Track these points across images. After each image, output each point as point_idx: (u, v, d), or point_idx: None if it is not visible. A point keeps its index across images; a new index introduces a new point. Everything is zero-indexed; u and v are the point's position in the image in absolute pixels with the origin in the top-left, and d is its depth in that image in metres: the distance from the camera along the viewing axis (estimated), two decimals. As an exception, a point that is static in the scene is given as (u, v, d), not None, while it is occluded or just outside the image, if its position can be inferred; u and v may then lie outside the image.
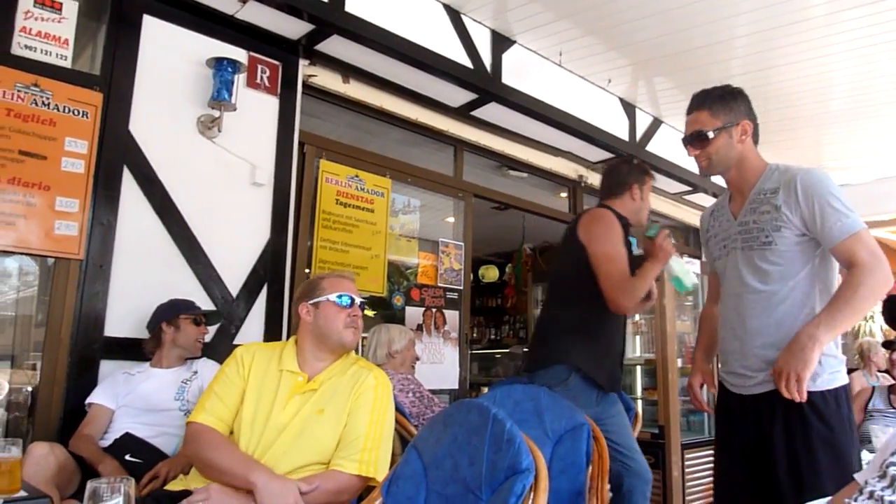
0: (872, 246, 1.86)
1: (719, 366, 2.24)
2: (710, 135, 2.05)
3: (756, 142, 2.13)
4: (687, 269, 2.74)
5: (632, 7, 3.77)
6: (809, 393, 1.82)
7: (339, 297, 2.11)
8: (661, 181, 5.77)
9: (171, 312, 2.76)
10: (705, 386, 2.44)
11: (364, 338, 3.47)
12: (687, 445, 5.31)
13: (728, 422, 2.14)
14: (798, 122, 5.44)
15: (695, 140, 2.09)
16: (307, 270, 3.67)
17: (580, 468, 2.23)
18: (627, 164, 3.03)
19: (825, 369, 1.90)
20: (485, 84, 4.04)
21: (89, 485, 1.06)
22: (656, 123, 5.45)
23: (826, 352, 1.89)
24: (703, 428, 6.34)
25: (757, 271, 2.01)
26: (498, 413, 1.50)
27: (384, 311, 4.19)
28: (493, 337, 8.70)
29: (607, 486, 2.24)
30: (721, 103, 2.07)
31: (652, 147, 5.34)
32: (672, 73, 4.68)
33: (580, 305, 2.72)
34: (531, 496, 1.35)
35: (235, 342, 3.15)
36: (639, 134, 5.25)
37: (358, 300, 2.16)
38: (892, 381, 4.23)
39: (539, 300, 6.76)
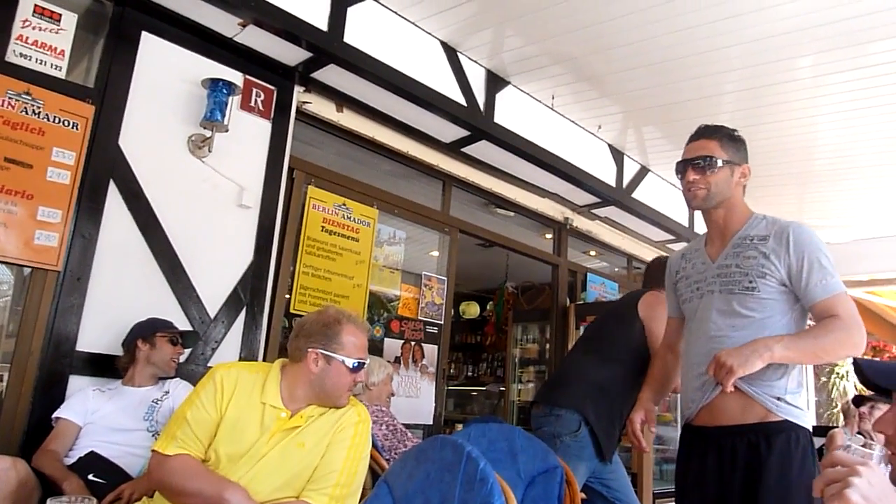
0: (853, 310, 1.87)
1: (680, 409, 2.25)
2: (719, 163, 2.02)
3: (743, 193, 2.15)
4: None
5: (625, 57, 3.85)
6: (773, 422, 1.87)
7: (356, 364, 2.01)
8: (645, 229, 5.84)
9: (149, 330, 2.72)
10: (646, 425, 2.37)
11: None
12: (659, 495, 5.27)
13: (695, 461, 2.05)
14: (782, 178, 5.55)
15: (701, 164, 2.03)
16: (287, 296, 3.64)
17: (552, 512, 2.20)
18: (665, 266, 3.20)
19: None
20: (477, 122, 4.09)
21: (49, 502, 1.03)
22: (643, 171, 5.53)
23: (790, 400, 1.91)
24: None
25: (734, 315, 1.96)
26: (472, 451, 1.48)
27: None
28: (470, 374, 8.65)
29: (577, 532, 2.21)
30: (730, 141, 2.08)
31: (638, 194, 5.41)
32: (661, 124, 4.77)
33: (618, 368, 2.91)
34: (501, 539, 1.33)
35: (210, 363, 3.11)
36: (626, 180, 5.32)
37: (366, 362, 2.09)
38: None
39: (518, 339, 6.73)
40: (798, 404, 1.94)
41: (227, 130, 3.19)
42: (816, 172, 5.37)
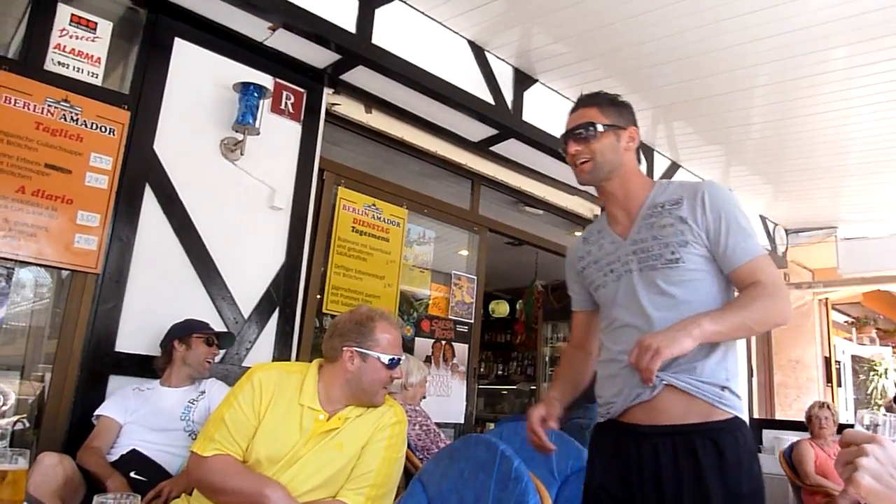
0: (776, 274, 1.69)
1: (599, 411, 1.89)
2: (599, 128, 1.79)
3: (639, 160, 1.94)
4: None
5: (654, 52, 3.81)
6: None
7: (391, 360, 2.01)
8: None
9: (185, 331, 2.77)
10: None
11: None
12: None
13: (616, 461, 1.75)
14: (815, 173, 5.45)
15: (582, 133, 1.80)
16: (319, 296, 3.68)
17: (585, 511, 2.20)
18: None
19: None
20: (505, 120, 4.08)
21: (97, 499, 1.06)
22: (674, 167, 5.47)
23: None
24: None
25: (662, 295, 1.71)
26: (506, 450, 1.48)
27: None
28: (500, 372, 8.64)
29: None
30: (611, 105, 1.86)
31: (668, 190, 5.35)
32: (691, 119, 4.71)
33: None
34: (537, 536, 1.33)
35: (245, 364, 3.16)
36: (656, 177, 5.27)
37: (402, 358, 2.10)
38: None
39: (548, 338, 6.71)
40: (739, 392, 1.73)
41: (258, 133, 3.24)
42: (851, 166, 5.26)
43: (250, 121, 3.16)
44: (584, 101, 1.89)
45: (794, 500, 5.03)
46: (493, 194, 4.89)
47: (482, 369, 8.65)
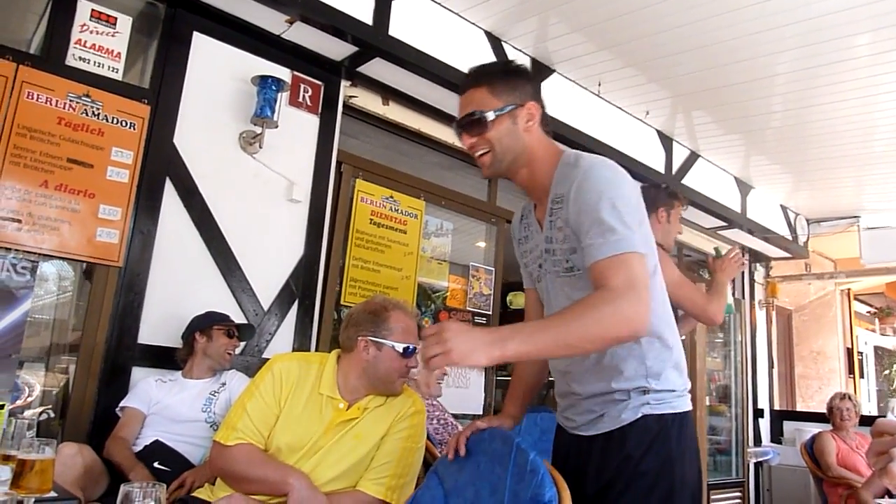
0: (635, 275, 1.39)
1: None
2: (490, 116, 1.57)
3: (547, 133, 1.68)
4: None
5: (672, 41, 3.77)
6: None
7: (406, 348, 2.02)
8: (697, 215, 5.72)
9: (206, 323, 2.81)
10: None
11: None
12: (713, 486, 5.19)
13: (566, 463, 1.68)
14: (838, 161, 5.37)
15: (470, 124, 1.59)
16: (338, 288, 3.70)
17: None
18: (655, 188, 3.23)
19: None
20: (522, 111, 4.05)
21: (123, 488, 1.08)
22: (693, 157, 5.41)
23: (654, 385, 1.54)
24: (731, 468, 6.21)
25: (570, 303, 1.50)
26: (521, 442, 1.49)
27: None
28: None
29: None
30: (503, 81, 1.62)
31: (688, 180, 5.31)
32: (711, 108, 4.66)
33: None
34: (554, 529, 1.34)
35: (265, 356, 3.19)
36: (675, 166, 5.22)
37: (419, 346, 2.08)
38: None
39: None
40: (672, 386, 1.57)
41: (276, 126, 3.25)
42: (876, 154, 5.17)
43: (268, 114, 3.17)
44: (471, 81, 1.64)
45: (816, 492, 4.99)
46: (510, 186, 4.82)
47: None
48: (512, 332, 1.34)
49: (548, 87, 4.22)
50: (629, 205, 1.45)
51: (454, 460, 1.67)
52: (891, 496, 3.12)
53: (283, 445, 1.93)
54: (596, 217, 1.42)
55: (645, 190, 2.92)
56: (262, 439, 1.93)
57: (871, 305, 9.49)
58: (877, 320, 9.81)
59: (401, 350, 2.02)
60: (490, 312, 4.49)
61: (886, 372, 9.63)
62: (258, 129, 3.23)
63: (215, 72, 3.23)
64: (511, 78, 1.63)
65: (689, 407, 1.61)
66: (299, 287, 3.39)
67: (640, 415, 1.52)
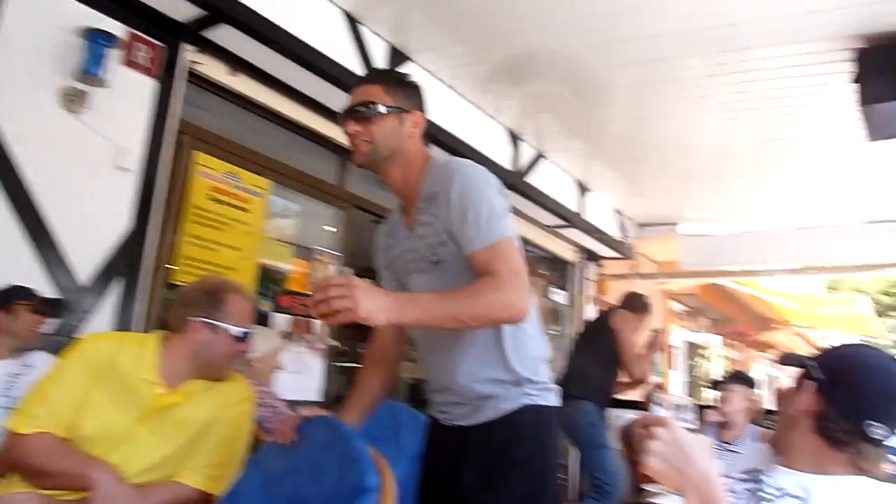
0: (515, 261, 1.54)
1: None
2: (382, 109, 1.67)
3: (426, 145, 1.83)
4: None
5: (525, 43, 3.90)
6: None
7: (242, 333, 1.93)
8: (538, 213, 5.99)
9: (6, 298, 2.52)
10: None
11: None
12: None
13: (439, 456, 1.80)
14: (666, 172, 5.87)
15: (360, 113, 1.67)
16: (170, 266, 3.47)
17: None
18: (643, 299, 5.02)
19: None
20: (376, 97, 4.01)
21: None
22: (538, 157, 5.66)
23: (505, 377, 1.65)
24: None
25: None
26: (346, 429, 1.47)
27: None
28: (360, 350, 8.59)
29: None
30: (400, 86, 1.74)
31: (532, 179, 5.54)
32: (556, 112, 4.88)
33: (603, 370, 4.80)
34: (373, 516, 1.33)
35: (80, 335, 2.92)
36: (522, 165, 5.43)
37: (253, 332, 2.02)
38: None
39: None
40: (545, 379, 1.70)
41: (106, 86, 2.97)
42: (696, 171, 5.69)
43: (96, 71, 2.90)
44: (370, 78, 1.79)
45: (631, 474, 5.43)
46: (361, 170, 4.77)
47: (344, 347, 8.58)
48: (410, 299, 1.47)
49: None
50: (498, 199, 1.61)
51: (277, 448, 1.62)
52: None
53: (89, 434, 1.76)
54: (475, 210, 1.56)
55: (641, 296, 5.04)
56: (63, 426, 1.75)
57: (685, 305, 10.46)
58: (689, 318, 10.85)
59: (237, 334, 1.92)
60: (333, 298, 4.41)
61: (693, 363, 10.68)
62: (84, 87, 2.94)
63: (36, 19, 2.89)
64: (406, 87, 1.76)
65: (558, 401, 1.74)
66: (124, 262, 3.13)
67: (520, 405, 1.63)
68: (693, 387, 10.40)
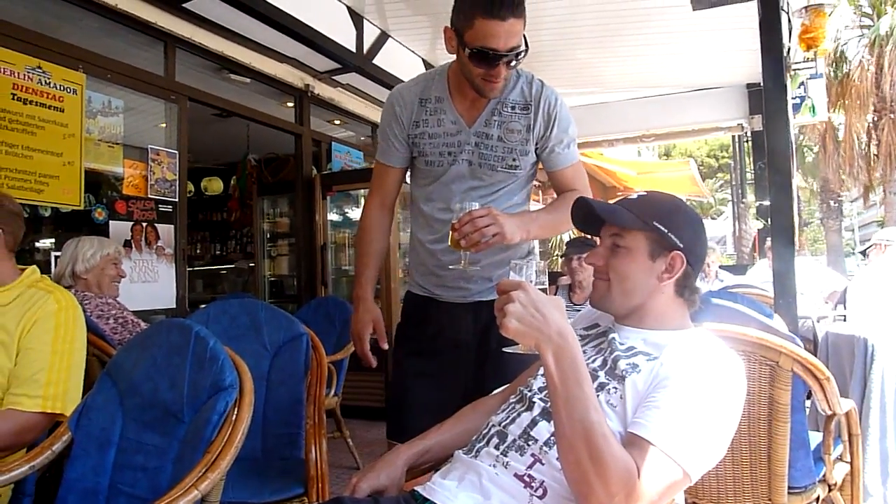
0: (586, 179, 1.92)
1: (417, 278, 2.03)
2: (523, 48, 1.69)
3: None
4: None
5: None
6: None
7: None
8: (385, 94, 5.84)
9: None
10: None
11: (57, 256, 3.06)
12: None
13: (430, 325, 1.97)
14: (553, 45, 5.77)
15: (515, 58, 1.68)
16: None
17: (299, 378, 2.26)
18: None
19: None
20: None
21: None
22: (383, 37, 5.45)
23: None
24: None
25: (487, 192, 1.84)
26: (200, 331, 1.41)
27: (83, 226, 3.71)
28: (218, 252, 8.29)
29: (324, 392, 2.29)
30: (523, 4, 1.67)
31: (379, 60, 5.35)
32: (398, -14, 4.68)
33: None
34: (234, 412, 1.31)
35: None
36: (366, 46, 5.21)
37: None
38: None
39: (265, 213, 6.54)
40: None
41: None
42: (546, 45, 5.67)
43: None
44: (518, 9, 1.62)
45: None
46: (191, 59, 4.42)
47: (197, 250, 8.23)
48: (531, 218, 1.76)
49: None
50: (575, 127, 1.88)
51: (129, 357, 1.54)
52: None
53: None
54: (570, 135, 1.85)
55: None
56: None
57: (535, 179, 10.89)
58: (540, 192, 11.36)
59: None
60: (176, 200, 4.15)
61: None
62: None
63: None
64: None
65: None
66: (-82, 178, 2.73)
67: None
68: (545, 255, 11.06)
